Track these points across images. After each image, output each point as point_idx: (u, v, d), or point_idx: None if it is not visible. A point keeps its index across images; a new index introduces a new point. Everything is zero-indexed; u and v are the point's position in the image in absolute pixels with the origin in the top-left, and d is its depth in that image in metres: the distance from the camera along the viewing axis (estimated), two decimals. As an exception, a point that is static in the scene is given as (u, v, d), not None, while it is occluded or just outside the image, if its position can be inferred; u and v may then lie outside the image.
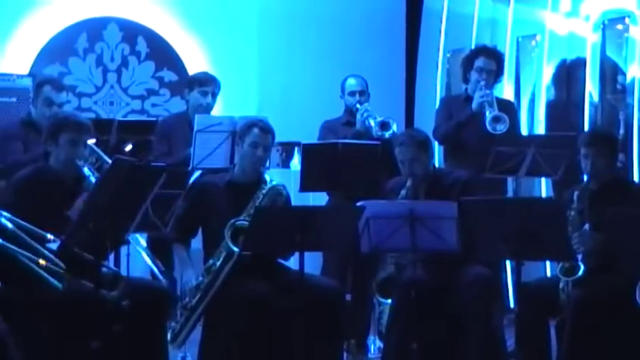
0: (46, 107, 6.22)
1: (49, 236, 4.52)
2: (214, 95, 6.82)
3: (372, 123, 6.63)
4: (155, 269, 5.31)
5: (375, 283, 5.69)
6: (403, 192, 5.66)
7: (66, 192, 4.96)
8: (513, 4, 8.01)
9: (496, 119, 6.50)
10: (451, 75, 8.36)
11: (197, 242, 5.77)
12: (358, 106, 6.76)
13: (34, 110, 6.34)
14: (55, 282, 4.29)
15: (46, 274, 4.30)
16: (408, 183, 5.68)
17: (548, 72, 7.74)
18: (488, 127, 6.48)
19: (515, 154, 6.15)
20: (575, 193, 5.36)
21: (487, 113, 6.53)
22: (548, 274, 6.71)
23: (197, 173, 6.32)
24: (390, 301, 5.61)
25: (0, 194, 5.20)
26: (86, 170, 5.04)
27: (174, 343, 5.46)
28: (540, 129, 7.74)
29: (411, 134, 5.92)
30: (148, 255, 5.36)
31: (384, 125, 6.60)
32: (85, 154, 5.20)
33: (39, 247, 4.38)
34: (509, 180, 6.91)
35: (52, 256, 4.35)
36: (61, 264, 4.35)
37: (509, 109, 6.80)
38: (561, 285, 5.18)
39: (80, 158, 5.10)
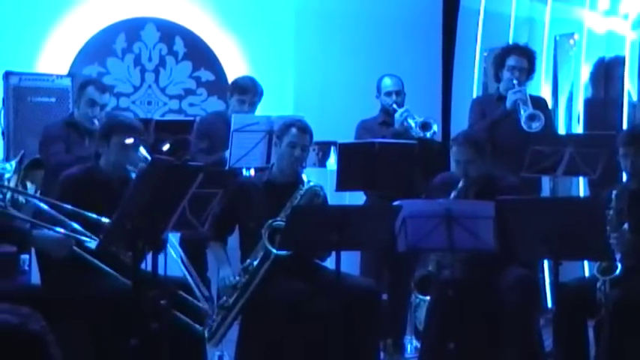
0: (89, 108, 6.27)
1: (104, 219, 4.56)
2: (252, 104, 6.83)
3: (412, 123, 6.62)
4: (188, 276, 5.30)
5: (413, 280, 5.67)
6: (454, 193, 5.62)
7: (112, 194, 4.96)
8: (551, 3, 7.97)
9: (531, 117, 6.49)
10: (488, 74, 8.32)
11: (232, 240, 5.79)
12: (395, 106, 6.75)
13: (76, 111, 6.40)
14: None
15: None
16: (461, 184, 5.64)
17: (586, 71, 7.69)
18: (524, 126, 6.47)
19: (553, 153, 6.13)
20: (614, 193, 5.33)
21: (522, 112, 6.52)
22: (587, 274, 6.67)
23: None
24: (428, 297, 5.60)
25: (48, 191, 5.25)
26: (134, 175, 5.07)
27: (211, 342, 5.48)
28: (578, 128, 7.70)
29: (469, 135, 5.88)
30: (181, 261, 5.35)
31: (425, 125, 6.58)
32: (137, 158, 5.21)
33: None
34: (547, 179, 6.87)
35: None
36: None
37: (541, 106, 6.78)
38: (598, 285, 5.15)
39: (130, 162, 5.12)
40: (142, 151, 5.41)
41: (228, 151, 6.35)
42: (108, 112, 6.39)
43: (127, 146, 5.13)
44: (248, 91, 6.83)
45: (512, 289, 5.41)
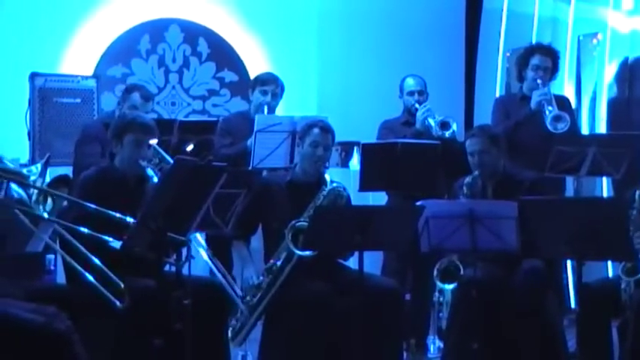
0: None
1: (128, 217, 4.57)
2: (275, 95, 6.84)
3: (432, 122, 6.62)
4: (214, 269, 5.34)
5: (436, 268, 5.68)
6: (468, 179, 5.69)
7: (129, 192, 5.02)
8: (574, 3, 7.94)
9: (557, 118, 6.48)
10: (511, 74, 8.31)
11: (256, 241, 5.81)
12: (417, 105, 6.76)
13: (118, 112, 6.43)
14: (116, 301, 4.38)
15: (107, 293, 4.39)
16: (476, 172, 5.71)
17: (609, 71, 7.67)
18: (550, 127, 6.46)
19: (576, 153, 6.11)
20: (638, 193, 5.31)
21: (547, 112, 6.51)
22: (610, 274, 6.65)
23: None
24: (450, 287, 5.61)
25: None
26: (149, 171, 5.11)
27: (235, 341, 5.50)
28: (602, 128, 7.68)
29: (483, 127, 6.03)
30: (207, 254, 5.39)
31: (444, 125, 6.59)
32: (149, 155, 5.26)
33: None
34: (570, 179, 6.86)
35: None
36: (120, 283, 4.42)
37: (565, 105, 6.76)
38: (623, 285, 5.14)
39: (144, 159, 5.17)
40: (155, 145, 5.44)
41: (250, 140, 6.38)
42: (116, 112, 6.43)
43: (139, 143, 5.18)
44: (269, 82, 6.86)
45: (523, 281, 5.46)
